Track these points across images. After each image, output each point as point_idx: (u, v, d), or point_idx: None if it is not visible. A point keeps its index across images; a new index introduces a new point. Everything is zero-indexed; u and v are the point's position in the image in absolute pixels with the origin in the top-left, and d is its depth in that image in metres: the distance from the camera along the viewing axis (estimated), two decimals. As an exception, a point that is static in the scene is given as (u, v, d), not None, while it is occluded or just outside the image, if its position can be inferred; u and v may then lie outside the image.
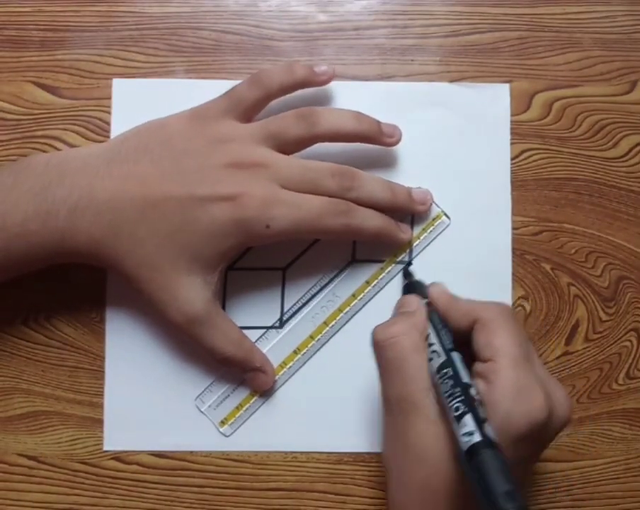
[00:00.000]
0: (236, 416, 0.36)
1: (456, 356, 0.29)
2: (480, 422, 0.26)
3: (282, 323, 0.37)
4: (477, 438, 0.25)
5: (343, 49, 0.38)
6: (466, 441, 0.26)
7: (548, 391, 0.28)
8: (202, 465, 0.36)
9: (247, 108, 0.34)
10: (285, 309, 0.37)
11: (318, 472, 0.36)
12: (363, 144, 0.36)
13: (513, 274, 0.37)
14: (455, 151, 0.37)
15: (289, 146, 0.34)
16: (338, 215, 0.33)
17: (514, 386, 0.28)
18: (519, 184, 0.37)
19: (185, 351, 0.36)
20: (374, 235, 0.35)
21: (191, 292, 0.33)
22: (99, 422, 0.36)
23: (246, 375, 0.36)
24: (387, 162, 0.37)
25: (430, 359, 0.29)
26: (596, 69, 0.38)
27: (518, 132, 0.38)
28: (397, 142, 0.36)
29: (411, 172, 0.37)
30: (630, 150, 0.38)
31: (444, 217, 0.37)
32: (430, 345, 0.30)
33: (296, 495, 0.36)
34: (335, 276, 0.37)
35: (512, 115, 0.38)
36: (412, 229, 0.37)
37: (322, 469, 0.36)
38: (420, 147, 0.37)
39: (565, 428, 0.29)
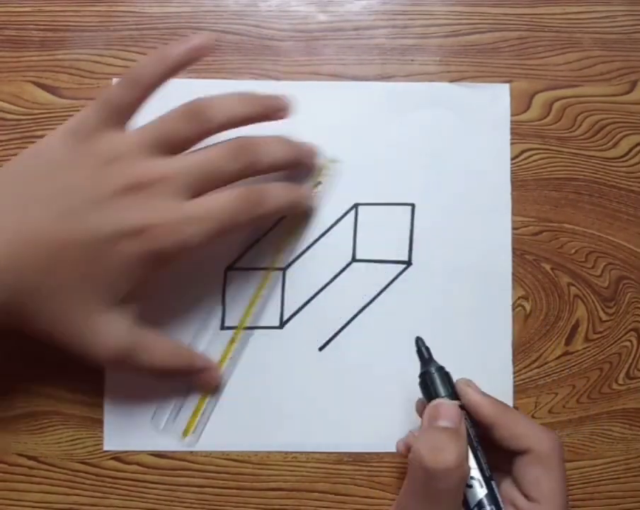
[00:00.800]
0: (196, 422, 0.36)
1: (496, 489, 0.29)
2: None
3: (282, 323, 0.37)
4: None
5: (342, 49, 0.38)
6: None
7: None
8: (202, 465, 0.36)
9: (125, 113, 0.31)
10: (285, 309, 0.37)
11: (318, 472, 0.36)
12: (363, 157, 0.36)
13: (513, 274, 0.37)
14: (455, 151, 0.37)
15: (179, 148, 0.32)
16: (251, 209, 0.32)
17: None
18: (519, 184, 0.37)
19: (185, 351, 0.36)
20: (288, 209, 0.34)
21: (112, 327, 0.31)
22: (99, 422, 0.36)
23: (193, 379, 0.35)
24: (387, 162, 0.37)
25: (470, 486, 0.28)
26: (596, 69, 0.38)
27: (518, 132, 0.38)
28: (288, 112, 0.34)
29: (411, 172, 0.37)
30: (630, 150, 0.38)
31: (331, 163, 0.37)
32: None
33: (296, 495, 0.36)
34: (335, 276, 0.37)
35: (512, 115, 0.38)
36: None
37: (322, 469, 0.36)
38: (420, 147, 0.37)
39: None
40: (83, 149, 0.30)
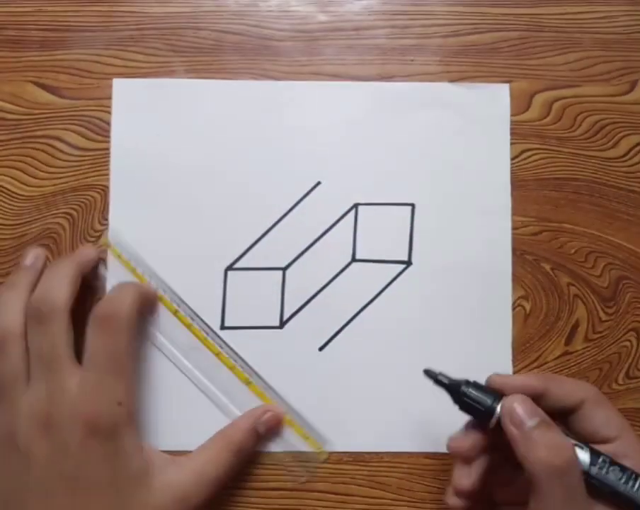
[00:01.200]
0: (306, 432, 0.36)
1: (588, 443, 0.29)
2: None
3: (282, 323, 0.37)
4: None
5: (343, 49, 0.38)
6: None
7: None
8: (202, 465, 0.36)
9: None
10: (285, 309, 0.37)
11: (318, 472, 0.36)
12: (364, 157, 0.36)
13: (513, 274, 0.37)
14: (455, 151, 0.37)
15: None
16: (114, 333, 0.32)
17: None
18: (519, 184, 0.37)
19: (185, 351, 0.36)
20: (140, 297, 0.34)
21: (170, 487, 0.32)
22: (99, 422, 0.36)
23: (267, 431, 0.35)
24: (387, 162, 0.37)
25: None
26: (596, 69, 0.38)
27: (518, 132, 0.38)
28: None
29: (411, 172, 0.37)
30: (630, 150, 0.38)
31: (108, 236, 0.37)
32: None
33: (297, 495, 0.36)
34: (335, 276, 0.37)
35: (512, 115, 0.38)
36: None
37: (322, 469, 0.36)
38: (420, 147, 0.37)
39: None
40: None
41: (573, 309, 0.37)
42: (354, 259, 0.37)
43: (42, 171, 0.37)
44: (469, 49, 0.38)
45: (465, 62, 0.38)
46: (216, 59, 0.38)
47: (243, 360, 0.36)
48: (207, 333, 0.36)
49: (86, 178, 0.37)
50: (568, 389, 0.31)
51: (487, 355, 0.36)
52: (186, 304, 0.36)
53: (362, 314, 0.37)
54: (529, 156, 0.37)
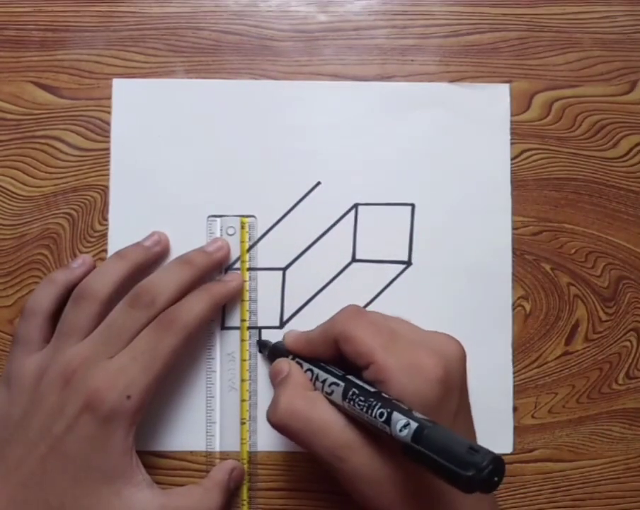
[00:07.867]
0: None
1: (351, 377, 0.29)
2: (408, 412, 0.26)
3: (282, 323, 0.37)
4: (414, 424, 0.25)
5: (342, 49, 0.38)
6: (406, 433, 0.25)
7: (429, 345, 0.29)
8: (202, 465, 0.36)
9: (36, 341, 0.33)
10: (285, 309, 0.37)
11: (318, 472, 0.36)
12: (364, 157, 0.36)
13: (513, 274, 0.37)
14: (455, 151, 0.37)
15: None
16: (168, 334, 0.32)
17: (401, 367, 0.28)
18: (519, 184, 0.37)
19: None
20: (211, 311, 0.34)
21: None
22: (99, 422, 0.36)
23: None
24: (387, 162, 0.37)
25: (331, 392, 0.29)
26: (596, 69, 0.38)
27: (518, 132, 0.38)
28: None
29: (411, 172, 0.37)
30: (630, 150, 0.38)
31: (250, 219, 0.37)
32: (324, 382, 0.30)
33: (296, 495, 0.36)
34: (335, 276, 0.37)
35: (512, 115, 0.38)
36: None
37: (322, 469, 0.36)
38: (420, 147, 0.37)
39: (464, 361, 0.30)
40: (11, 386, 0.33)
41: (573, 309, 0.37)
42: (354, 259, 0.37)
43: (42, 171, 0.37)
44: (469, 49, 0.38)
45: (465, 62, 0.38)
46: (216, 59, 0.38)
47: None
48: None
49: (86, 178, 0.37)
50: (320, 339, 0.31)
51: (487, 355, 0.36)
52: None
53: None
54: (529, 156, 0.37)
